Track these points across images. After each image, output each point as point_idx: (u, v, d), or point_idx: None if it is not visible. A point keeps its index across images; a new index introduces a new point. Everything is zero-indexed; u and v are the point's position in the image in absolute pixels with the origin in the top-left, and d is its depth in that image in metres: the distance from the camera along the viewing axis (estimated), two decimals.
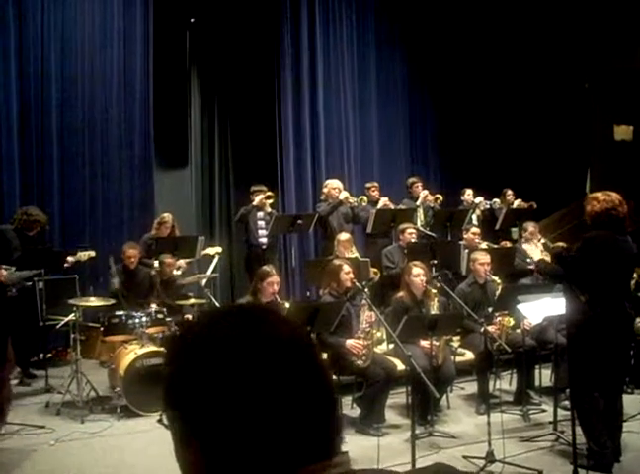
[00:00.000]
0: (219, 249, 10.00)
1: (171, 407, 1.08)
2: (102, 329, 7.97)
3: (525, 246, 7.70)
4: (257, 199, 10.32)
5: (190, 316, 8.60)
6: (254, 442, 1.02)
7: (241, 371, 1.03)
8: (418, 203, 11.27)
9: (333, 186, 10.69)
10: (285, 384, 1.04)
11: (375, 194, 11.11)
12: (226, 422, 1.03)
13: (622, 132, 13.84)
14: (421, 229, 10.52)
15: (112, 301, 8.08)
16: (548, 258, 7.72)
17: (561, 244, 10.21)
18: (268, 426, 1.02)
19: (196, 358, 1.06)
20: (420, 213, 11.23)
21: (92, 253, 9.11)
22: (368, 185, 11.40)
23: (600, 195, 5.72)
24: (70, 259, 8.83)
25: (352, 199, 10.61)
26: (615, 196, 5.71)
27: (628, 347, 5.91)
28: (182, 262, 9.43)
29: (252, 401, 1.02)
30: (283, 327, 1.10)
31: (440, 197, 11.46)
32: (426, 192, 11.40)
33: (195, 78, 12.85)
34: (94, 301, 7.87)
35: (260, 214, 10.42)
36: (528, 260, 8.30)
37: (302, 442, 1.04)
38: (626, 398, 6.13)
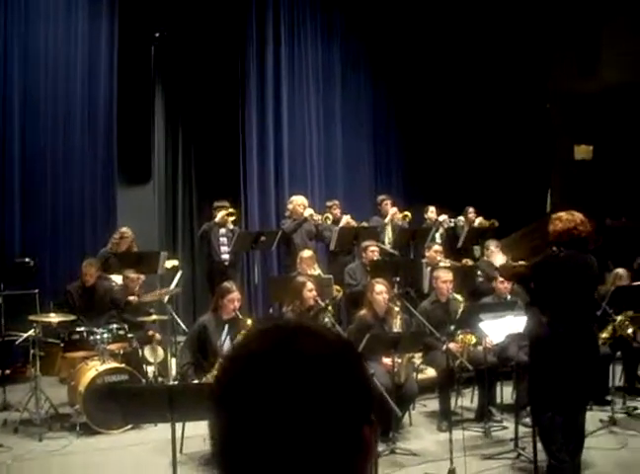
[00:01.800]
0: (176, 262, 9.92)
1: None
2: (62, 345, 7.88)
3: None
4: (219, 216, 10.29)
5: (152, 332, 8.54)
6: (264, 457, 1.04)
7: (266, 384, 1.05)
8: (386, 221, 11.32)
9: (298, 202, 10.69)
10: (296, 400, 1.05)
11: (336, 212, 11.13)
12: (242, 435, 1.05)
13: (582, 151, 14.07)
14: (383, 247, 10.55)
15: (72, 317, 8.00)
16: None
17: (523, 263, 10.30)
18: (276, 444, 1.04)
19: (232, 371, 1.10)
20: (388, 231, 11.28)
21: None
22: (329, 203, 11.40)
23: (563, 214, 5.81)
24: None
25: (316, 217, 10.62)
26: (578, 215, 5.79)
27: (591, 365, 5.98)
28: (141, 277, 9.36)
29: (272, 415, 1.04)
30: (315, 343, 1.11)
31: (408, 214, 11.50)
32: (395, 209, 11.45)
33: (159, 93, 12.81)
34: (54, 317, 7.77)
35: (222, 231, 10.38)
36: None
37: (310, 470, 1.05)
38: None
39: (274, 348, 1.09)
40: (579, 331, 5.65)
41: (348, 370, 1.10)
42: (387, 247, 10.84)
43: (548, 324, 5.66)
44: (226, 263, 10.34)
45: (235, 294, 6.90)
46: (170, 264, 9.72)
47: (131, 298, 8.78)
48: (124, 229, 9.98)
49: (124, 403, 5.07)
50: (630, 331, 7.79)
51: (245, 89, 12.38)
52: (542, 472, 5.62)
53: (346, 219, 10.90)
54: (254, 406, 1.04)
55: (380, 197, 11.93)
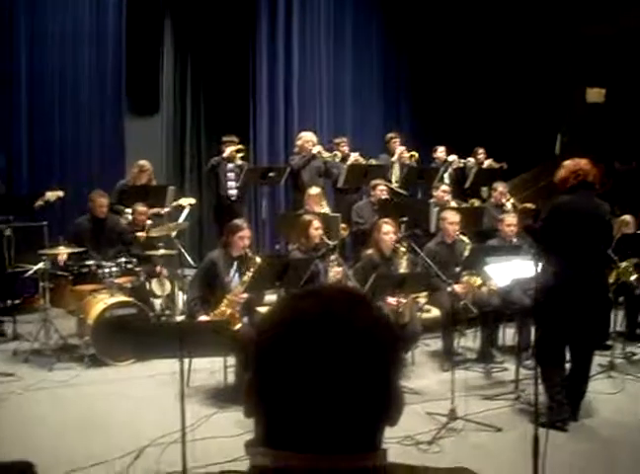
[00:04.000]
0: (192, 200, 9.89)
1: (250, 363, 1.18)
2: (71, 278, 7.97)
3: None
4: (227, 151, 10.24)
5: (159, 267, 8.61)
6: (301, 413, 1.10)
7: (306, 350, 1.10)
8: (394, 159, 11.27)
9: (307, 139, 10.62)
10: (343, 368, 1.10)
11: (345, 149, 11.04)
12: (283, 390, 1.11)
13: (594, 94, 13.92)
14: (392, 186, 10.54)
15: (81, 249, 8.06)
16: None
17: (529, 205, 10.33)
18: (315, 404, 1.10)
19: (273, 332, 1.15)
20: (396, 169, 11.24)
21: (60, 193, 9.01)
22: (337, 140, 11.28)
23: (566, 162, 5.84)
24: (39, 203, 8.79)
25: (325, 154, 10.58)
26: (582, 160, 5.81)
27: (600, 312, 6.04)
28: (159, 210, 9.44)
29: (308, 377, 1.10)
30: (365, 314, 1.15)
31: (415, 154, 11.42)
32: (402, 148, 11.38)
33: (168, 24, 12.65)
34: (63, 250, 7.82)
35: (230, 166, 10.34)
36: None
37: (343, 429, 1.11)
38: None
39: (325, 313, 1.13)
40: (589, 277, 5.70)
41: (389, 346, 1.15)
42: (395, 186, 10.83)
43: (560, 271, 5.70)
44: (233, 198, 10.33)
45: (245, 232, 6.91)
46: (186, 202, 9.70)
47: (139, 234, 8.82)
48: (143, 162, 9.82)
49: (136, 338, 5.16)
50: (633, 278, 7.86)
51: (256, 22, 12.22)
52: (542, 414, 5.71)
53: (354, 157, 10.83)
54: (299, 366, 1.10)
55: (389, 135, 11.83)
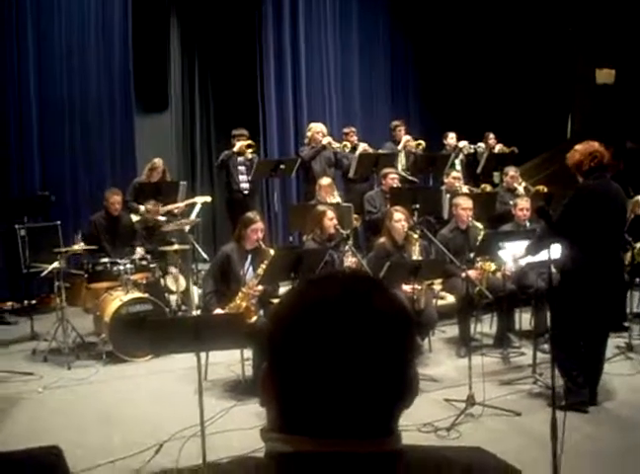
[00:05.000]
0: (208, 199, 9.91)
1: (266, 351, 1.18)
2: (86, 276, 8.00)
3: None
4: (237, 145, 10.25)
5: (172, 268, 8.66)
6: (319, 398, 1.11)
7: (327, 332, 1.10)
8: (399, 148, 11.25)
9: (317, 130, 10.64)
10: (363, 350, 1.10)
11: (353, 139, 11.03)
12: (301, 375, 1.11)
13: (604, 76, 13.82)
14: (403, 174, 10.53)
15: (94, 247, 8.10)
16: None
17: (542, 187, 10.31)
18: (333, 389, 1.10)
19: (291, 317, 1.15)
20: (401, 158, 11.22)
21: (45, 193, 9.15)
22: (346, 130, 11.28)
23: (578, 146, 5.80)
24: None
25: (335, 144, 10.58)
26: (595, 142, 5.78)
27: (616, 295, 6.01)
28: (173, 207, 9.48)
29: (329, 360, 1.10)
30: (386, 299, 1.16)
31: (422, 143, 11.39)
32: (408, 137, 11.37)
33: (175, 21, 12.65)
34: (78, 248, 7.85)
35: (241, 159, 10.33)
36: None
37: (361, 414, 1.12)
38: None
39: (346, 294, 1.14)
40: (609, 261, 5.69)
41: (406, 327, 1.16)
42: (405, 174, 10.81)
43: (581, 255, 5.67)
44: (245, 191, 10.33)
45: (259, 224, 6.90)
46: (202, 200, 9.72)
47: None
48: (156, 160, 9.94)
49: (152, 334, 5.17)
50: None
51: (262, 14, 12.20)
52: (559, 397, 5.70)
53: (363, 147, 10.83)
54: (319, 349, 1.10)
55: (394, 123, 11.80)
